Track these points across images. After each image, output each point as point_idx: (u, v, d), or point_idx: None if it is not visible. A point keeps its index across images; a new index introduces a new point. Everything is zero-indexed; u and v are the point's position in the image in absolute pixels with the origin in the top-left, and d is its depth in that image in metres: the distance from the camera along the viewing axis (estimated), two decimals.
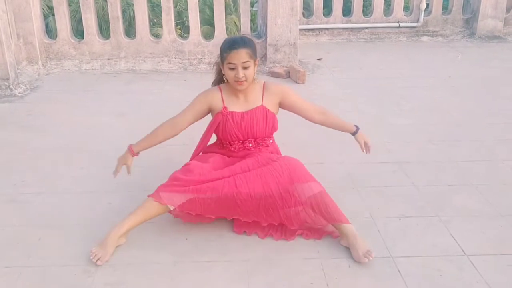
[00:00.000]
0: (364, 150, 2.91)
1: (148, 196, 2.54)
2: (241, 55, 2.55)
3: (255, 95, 2.75)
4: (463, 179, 3.19)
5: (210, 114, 2.84)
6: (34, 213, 2.84)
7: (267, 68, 5.73)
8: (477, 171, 3.29)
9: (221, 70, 2.74)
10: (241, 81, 2.60)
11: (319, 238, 2.56)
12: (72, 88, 5.12)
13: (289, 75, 5.53)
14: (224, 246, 2.52)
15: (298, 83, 5.31)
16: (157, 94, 4.97)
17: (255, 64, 2.64)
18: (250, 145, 2.76)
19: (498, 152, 3.57)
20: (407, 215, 2.78)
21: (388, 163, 3.42)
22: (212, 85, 2.89)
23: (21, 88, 4.96)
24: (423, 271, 2.33)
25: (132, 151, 2.76)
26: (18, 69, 5.24)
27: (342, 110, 4.49)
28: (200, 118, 2.83)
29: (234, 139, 2.74)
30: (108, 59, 5.80)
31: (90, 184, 3.16)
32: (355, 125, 2.92)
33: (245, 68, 2.58)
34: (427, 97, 4.80)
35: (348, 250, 2.46)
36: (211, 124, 2.81)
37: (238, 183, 2.48)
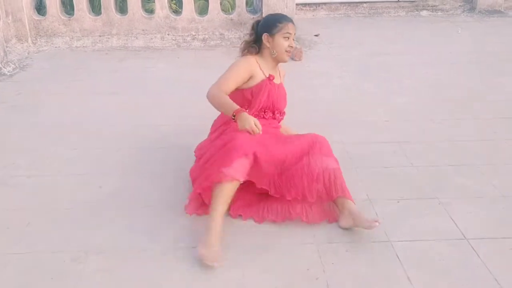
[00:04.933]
0: None
1: (214, 183, 2.38)
2: (294, 27, 2.72)
3: (278, 72, 2.85)
4: (464, 159, 3.11)
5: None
6: (25, 197, 2.75)
7: None
8: (479, 151, 3.21)
9: (256, 42, 2.75)
10: (290, 51, 2.73)
11: (318, 221, 2.50)
12: (62, 66, 5.00)
13: None
14: None
15: (295, 60, 5.20)
16: (150, 72, 4.85)
17: None
18: (268, 115, 2.77)
19: (501, 131, 3.48)
20: (406, 197, 2.71)
21: (387, 142, 3.34)
22: (242, 55, 2.81)
23: (10, 66, 4.83)
24: (422, 256, 2.26)
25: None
26: (7, 47, 5.11)
27: (340, 87, 4.40)
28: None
29: (263, 107, 2.72)
30: (100, 36, 5.66)
31: (82, 165, 3.08)
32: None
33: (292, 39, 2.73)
34: (427, 74, 4.70)
35: (346, 234, 2.39)
36: (255, 91, 2.70)
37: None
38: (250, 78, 2.69)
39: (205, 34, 5.73)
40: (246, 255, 2.28)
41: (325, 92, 4.28)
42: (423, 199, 2.69)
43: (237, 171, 2.35)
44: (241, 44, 2.85)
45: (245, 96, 2.70)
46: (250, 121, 2.44)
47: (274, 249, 2.32)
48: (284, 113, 2.89)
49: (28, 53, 5.35)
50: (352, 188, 2.76)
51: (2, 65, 4.75)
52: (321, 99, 4.08)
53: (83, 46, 5.61)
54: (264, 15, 5.55)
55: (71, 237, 2.40)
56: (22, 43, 5.47)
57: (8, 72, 4.75)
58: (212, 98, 2.61)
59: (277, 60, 2.76)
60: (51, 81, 4.59)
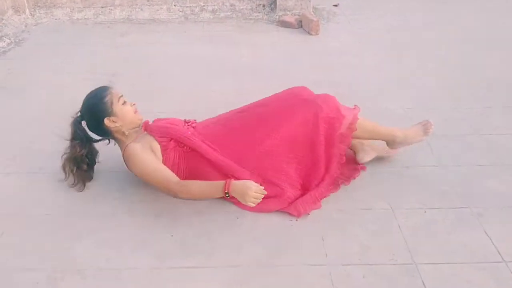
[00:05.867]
0: None
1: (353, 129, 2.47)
2: (115, 89, 2.47)
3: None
4: (497, 157, 2.72)
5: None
6: (0, 199, 2.47)
7: (277, 17, 5.16)
8: None
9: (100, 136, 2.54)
10: (136, 109, 2.47)
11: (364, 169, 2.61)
12: (61, 41, 4.64)
13: (301, 25, 4.98)
14: (212, 246, 2.13)
15: (311, 34, 4.78)
16: (154, 48, 4.46)
17: None
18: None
19: None
20: (433, 205, 2.35)
21: None
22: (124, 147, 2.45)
23: (4, 41, 4.50)
24: (451, 283, 1.92)
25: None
26: (2, 19, 4.78)
27: (357, 69, 3.98)
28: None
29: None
30: (102, 7, 5.28)
31: None
32: None
33: None
34: (454, 53, 4.23)
35: (364, 254, 2.07)
36: (171, 137, 2.42)
37: None
38: (155, 154, 2.36)
39: (214, 5, 5.31)
40: (242, 278, 1.97)
41: (341, 73, 3.87)
42: (452, 208, 2.33)
43: (347, 110, 2.50)
44: (77, 154, 2.47)
45: (176, 148, 2.40)
46: (249, 187, 2.10)
47: (275, 271, 1.99)
48: None
49: (26, 26, 5.00)
50: (368, 195, 2.45)
51: None
52: (336, 81, 3.68)
53: (85, 18, 5.24)
54: None
55: (47, 252, 2.12)
56: (19, 15, 5.12)
57: (2, 48, 4.42)
58: (190, 194, 2.27)
59: (134, 129, 2.45)
60: (46, 58, 4.25)
